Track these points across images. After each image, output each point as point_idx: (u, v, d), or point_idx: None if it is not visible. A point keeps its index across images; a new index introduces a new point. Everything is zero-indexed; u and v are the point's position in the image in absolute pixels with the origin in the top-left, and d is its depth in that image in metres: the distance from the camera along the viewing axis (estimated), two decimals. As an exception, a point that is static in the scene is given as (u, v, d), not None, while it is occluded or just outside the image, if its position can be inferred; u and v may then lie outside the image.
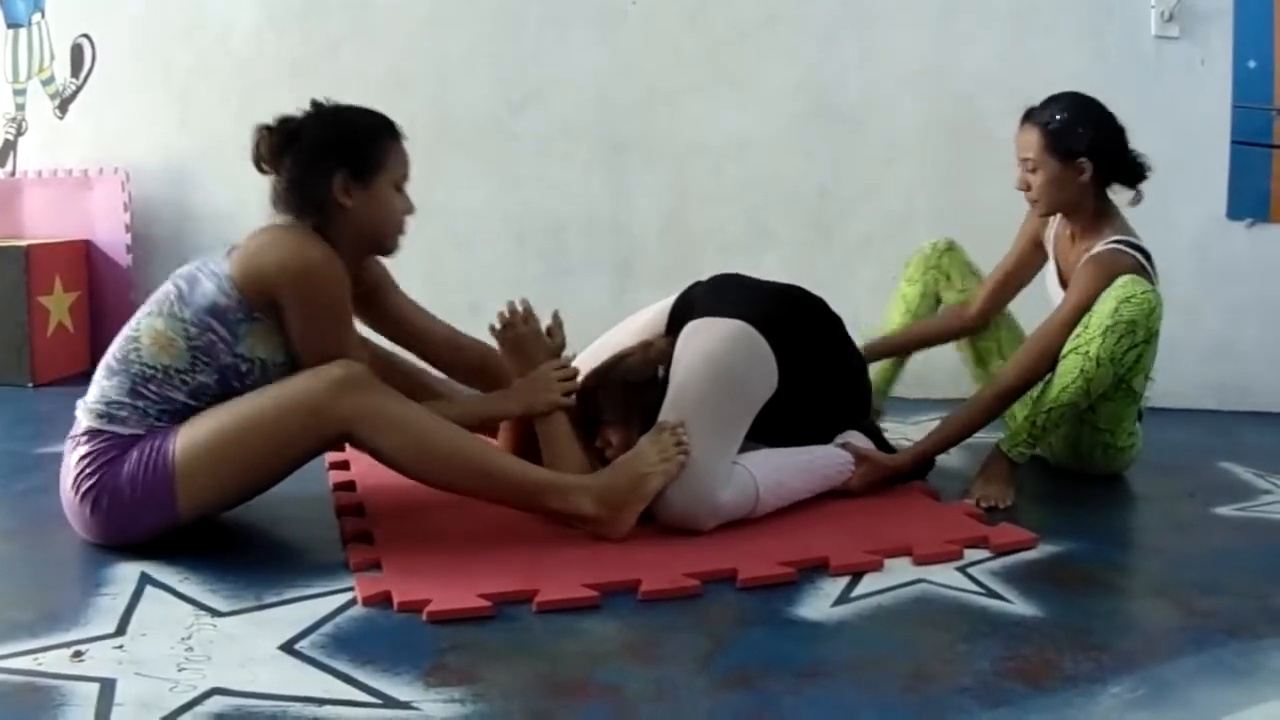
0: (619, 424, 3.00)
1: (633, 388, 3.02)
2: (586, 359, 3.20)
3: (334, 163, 2.77)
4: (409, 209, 2.91)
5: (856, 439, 3.21)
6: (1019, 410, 3.48)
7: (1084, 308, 3.21)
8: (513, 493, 2.74)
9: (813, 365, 3.11)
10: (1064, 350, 3.19)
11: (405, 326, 3.19)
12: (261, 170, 2.85)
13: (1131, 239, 3.31)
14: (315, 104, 2.86)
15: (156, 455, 2.59)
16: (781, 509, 2.99)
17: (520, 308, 3.07)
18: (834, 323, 3.26)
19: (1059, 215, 3.47)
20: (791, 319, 3.13)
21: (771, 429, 3.04)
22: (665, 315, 3.28)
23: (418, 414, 2.66)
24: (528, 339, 3.04)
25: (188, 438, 2.60)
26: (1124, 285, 3.15)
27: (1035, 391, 3.32)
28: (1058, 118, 3.27)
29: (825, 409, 3.22)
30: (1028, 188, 3.34)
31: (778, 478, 2.97)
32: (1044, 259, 3.62)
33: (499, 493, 2.75)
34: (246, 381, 2.71)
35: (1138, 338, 3.14)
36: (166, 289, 2.76)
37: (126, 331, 2.76)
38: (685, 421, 2.84)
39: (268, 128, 2.83)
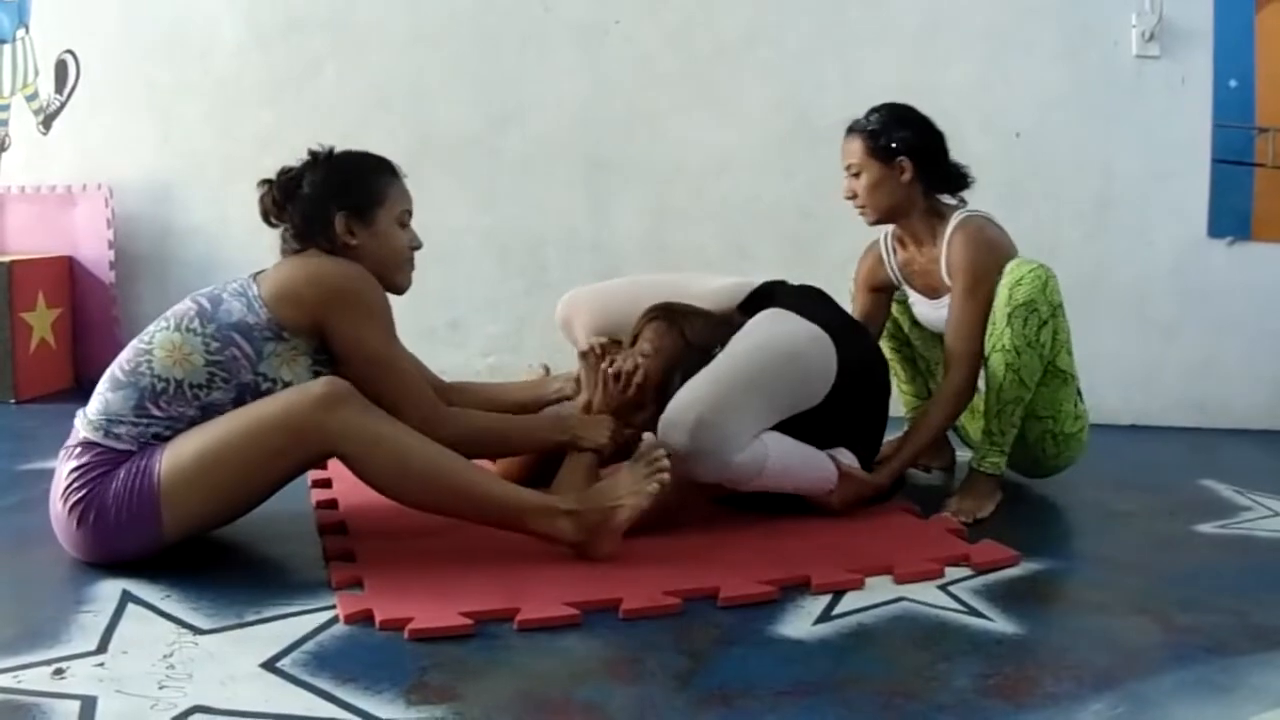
0: (649, 358, 3.07)
1: (685, 344, 3.09)
2: (651, 283, 3.42)
3: (335, 204, 2.81)
4: (416, 244, 2.94)
5: (845, 456, 3.20)
6: (969, 425, 3.53)
7: (976, 274, 3.28)
8: (494, 514, 2.74)
9: (855, 402, 3.16)
10: (986, 353, 3.25)
11: None
12: (270, 223, 2.90)
13: (976, 210, 3.40)
14: (312, 153, 2.90)
15: (141, 476, 2.58)
16: (763, 524, 3.03)
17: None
18: (886, 374, 3.34)
19: (891, 250, 3.58)
20: (860, 353, 3.18)
21: (790, 433, 3.07)
22: (738, 294, 3.37)
23: (399, 433, 2.65)
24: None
25: (173, 456, 2.59)
26: (1009, 272, 3.23)
27: (979, 404, 3.38)
28: (878, 120, 3.37)
29: (844, 437, 3.22)
30: (854, 195, 3.41)
31: (786, 463, 3.02)
32: (888, 301, 3.71)
33: (480, 513, 2.74)
34: None
35: (1042, 315, 3.19)
36: (185, 306, 2.76)
37: (137, 344, 2.75)
38: (736, 378, 2.93)
39: (269, 181, 2.87)
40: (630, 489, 2.76)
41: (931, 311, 3.52)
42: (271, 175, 2.89)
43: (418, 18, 4.87)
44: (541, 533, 2.74)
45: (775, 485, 3.04)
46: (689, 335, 3.11)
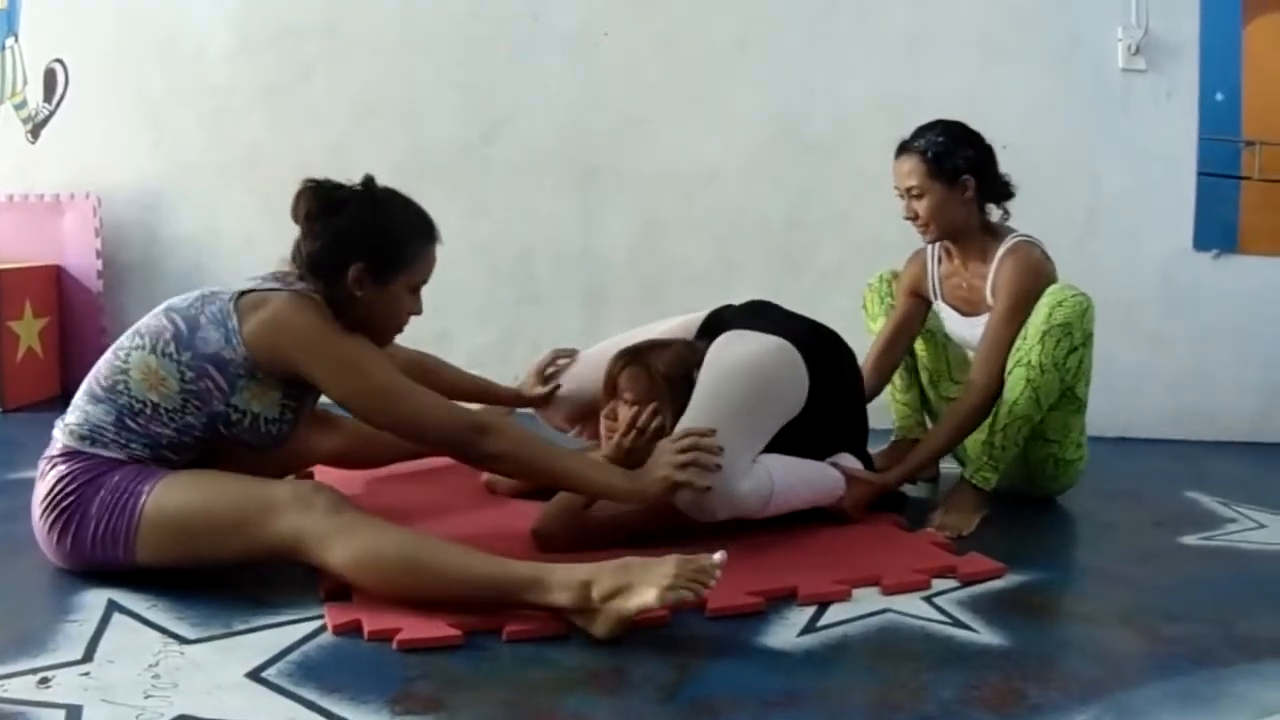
0: (636, 405, 3.04)
1: (666, 379, 3.06)
2: (601, 352, 3.35)
3: (358, 253, 2.70)
4: (416, 311, 2.86)
5: (847, 460, 3.24)
6: (969, 439, 3.53)
7: (1019, 300, 3.30)
8: (481, 593, 2.49)
9: (833, 397, 3.17)
10: (1008, 366, 3.26)
11: None
12: (296, 222, 2.76)
13: (1028, 235, 3.43)
14: (367, 182, 2.78)
15: (128, 500, 2.55)
16: (751, 536, 3.01)
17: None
18: (854, 365, 3.35)
19: (936, 259, 3.60)
20: (823, 350, 3.19)
21: (782, 447, 3.07)
22: (692, 327, 3.37)
23: (382, 537, 2.53)
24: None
25: (160, 498, 2.56)
26: (1054, 292, 3.26)
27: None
28: (938, 141, 3.36)
29: (834, 439, 3.26)
30: (915, 216, 3.41)
31: (790, 482, 3.02)
32: (926, 310, 3.70)
33: (469, 594, 2.49)
34: (234, 430, 2.69)
35: (1075, 340, 3.21)
36: (161, 324, 2.70)
37: (113, 360, 2.70)
38: (718, 409, 2.89)
39: (315, 185, 2.73)
40: (655, 581, 2.38)
41: (963, 329, 3.53)
42: (320, 178, 2.75)
43: (408, 26, 4.88)
44: (535, 605, 2.46)
45: (788, 506, 3.04)
46: (662, 369, 3.09)
